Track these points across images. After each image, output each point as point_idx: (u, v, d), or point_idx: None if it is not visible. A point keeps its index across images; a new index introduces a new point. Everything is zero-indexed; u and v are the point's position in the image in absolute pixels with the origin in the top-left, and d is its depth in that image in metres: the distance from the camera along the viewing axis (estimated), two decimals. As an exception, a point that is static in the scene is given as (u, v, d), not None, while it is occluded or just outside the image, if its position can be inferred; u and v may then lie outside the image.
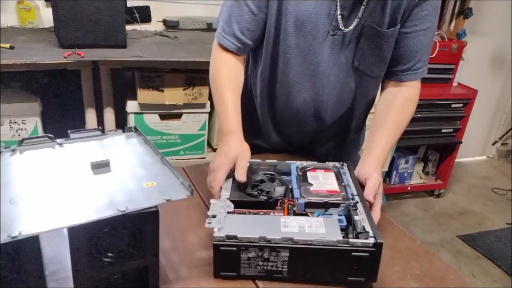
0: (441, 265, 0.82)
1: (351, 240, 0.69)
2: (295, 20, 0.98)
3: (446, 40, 2.69)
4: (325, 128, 1.16)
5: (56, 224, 0.53)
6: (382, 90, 1.11)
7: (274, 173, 0.94)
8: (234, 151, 0.90)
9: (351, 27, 0.98)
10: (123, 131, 0.82)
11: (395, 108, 1.03)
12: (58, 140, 0.76)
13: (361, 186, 0.89)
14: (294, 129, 1.17)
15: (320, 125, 1.14)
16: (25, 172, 0.67)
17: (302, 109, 1.10)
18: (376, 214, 0.88)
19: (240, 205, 0.81)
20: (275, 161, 0.97)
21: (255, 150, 1.24)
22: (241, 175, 0.86)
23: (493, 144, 3.71)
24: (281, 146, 1.23)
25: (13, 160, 0.70)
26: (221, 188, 0.84)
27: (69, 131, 0.78)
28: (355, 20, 0.97)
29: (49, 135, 0.75)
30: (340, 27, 0.98)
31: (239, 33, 1.02)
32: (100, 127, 0.82)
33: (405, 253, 0.85)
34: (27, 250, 0.54)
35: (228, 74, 1.04)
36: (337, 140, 1.23)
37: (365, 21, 0.97)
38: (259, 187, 0.87)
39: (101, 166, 0.68)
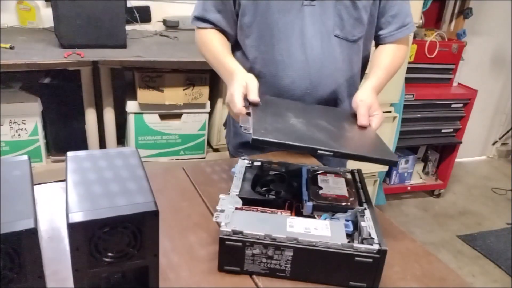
0: (441, 266, 0.82)
1: (355, 245, 0.70)
2: None
3: (446, 40, 2.68)
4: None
5: (57, 223, 0.53)
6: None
7: (284, 174, 0.94)
8: (243, 78, 0.97)
9: None
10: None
11: (387, 51, 1.16)
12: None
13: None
14: None
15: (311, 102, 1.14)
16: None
17: (292, 86, 1.11)
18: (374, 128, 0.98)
19: (248, 202, 0.81)
20: (287, 162, 0.97)
21: (250, 150, 1.24)
22: (256, 96, 0.93)
23: (493, 144, 3.71)
24: None
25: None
26: (244, 107, 0.91)
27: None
28: None
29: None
30: None
31: (209, 15, 1.13)
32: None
33: (405, 253, 0.85)
34: (27, 249, 0.54)
35: (218, 40, 1.15)
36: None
37: None
38: (269, 186, 0.87)
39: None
